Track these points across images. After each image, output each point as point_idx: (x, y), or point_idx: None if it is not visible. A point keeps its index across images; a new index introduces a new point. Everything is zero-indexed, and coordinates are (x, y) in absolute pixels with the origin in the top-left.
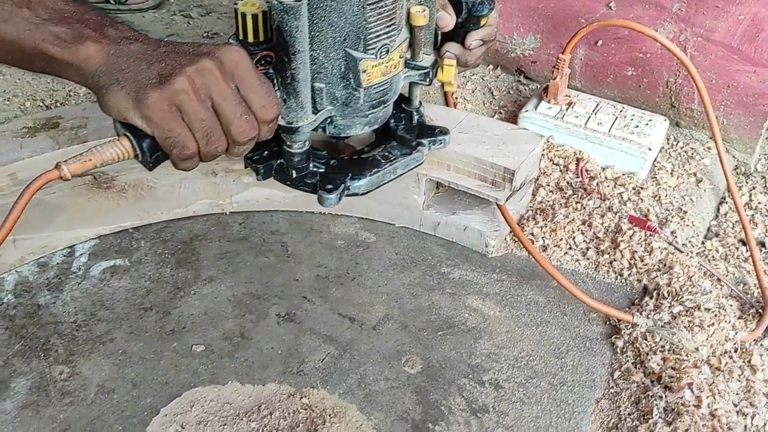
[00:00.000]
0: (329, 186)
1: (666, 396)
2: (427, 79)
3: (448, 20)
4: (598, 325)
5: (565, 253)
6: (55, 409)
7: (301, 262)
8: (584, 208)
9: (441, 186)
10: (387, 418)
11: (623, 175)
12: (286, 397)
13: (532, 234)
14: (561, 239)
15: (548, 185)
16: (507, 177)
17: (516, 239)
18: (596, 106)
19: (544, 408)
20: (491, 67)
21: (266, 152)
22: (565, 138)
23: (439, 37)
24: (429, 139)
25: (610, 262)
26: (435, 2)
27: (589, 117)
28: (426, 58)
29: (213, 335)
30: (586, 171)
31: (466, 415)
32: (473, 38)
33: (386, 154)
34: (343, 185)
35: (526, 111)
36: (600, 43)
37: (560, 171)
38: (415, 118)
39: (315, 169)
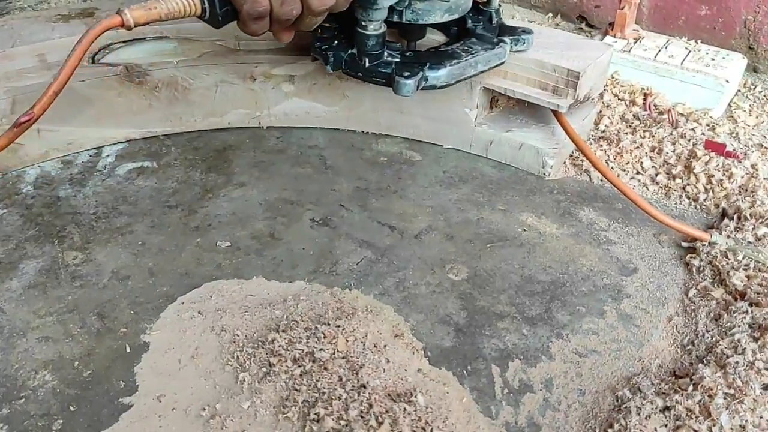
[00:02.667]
0: (406, 72)
1: (752, 311)
2: None
3: None
4: (669, 247)
5: (632, 177)
6: (64, 290)
7: (340, 174)
8: (653, 135)
9: (495, 105)
10: (426, 320)
11: (696, 111)
12: (316, 293)
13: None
14: (627, 163)
15: (612, 117)
16: (571, 82)
17: (575, 163)
18: (666, 41)
19: (609, 321)
20: (550, 15)
21: (336, 42)
22: (631, 73)
23: None
24: (511, 37)
25: (683, 187)
26: None
27: (660, 50)
28: None
29: (240, 234)
30: (655, 106)
31: (518, 322)
32: None
33: (467, 48)
34: (421, 73)
35: None
36: None
37: (625, 105)
38: (495, 19)
39: (390, 59)
